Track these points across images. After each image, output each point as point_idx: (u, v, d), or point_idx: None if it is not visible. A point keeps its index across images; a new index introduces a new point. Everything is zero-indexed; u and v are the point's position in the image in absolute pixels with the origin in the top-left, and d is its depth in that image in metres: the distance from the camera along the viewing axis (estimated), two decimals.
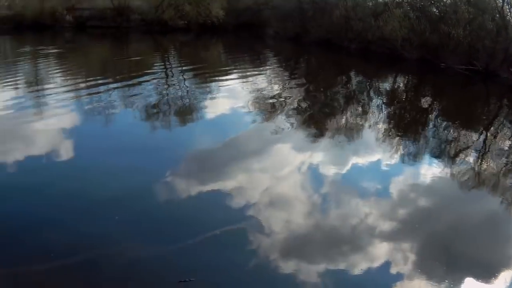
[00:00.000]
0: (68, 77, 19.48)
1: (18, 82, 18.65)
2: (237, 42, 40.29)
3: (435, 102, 18.02)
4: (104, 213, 7.05)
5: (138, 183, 8.21)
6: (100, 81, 18.29)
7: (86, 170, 8.92)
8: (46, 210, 7.14)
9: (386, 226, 6.99)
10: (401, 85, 21.24)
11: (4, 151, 10.05)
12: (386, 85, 20.92)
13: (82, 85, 17.84)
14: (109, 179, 8.43)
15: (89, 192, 7.79)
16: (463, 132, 13.31)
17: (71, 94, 15.97)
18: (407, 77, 23.69)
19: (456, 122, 14.48)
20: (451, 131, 13.48)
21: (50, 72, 21.52)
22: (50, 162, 9.46)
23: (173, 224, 6.93)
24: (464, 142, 12.09)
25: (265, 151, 10.38)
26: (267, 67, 24.09)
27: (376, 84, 20.94)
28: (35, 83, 18.81)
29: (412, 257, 6.32)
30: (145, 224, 6.84)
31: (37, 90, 17.00)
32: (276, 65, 25.79)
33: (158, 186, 8.20)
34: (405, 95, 18.91)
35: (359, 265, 6.03)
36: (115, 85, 17.51)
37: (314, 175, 8.96)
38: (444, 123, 14.38)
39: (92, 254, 6.03)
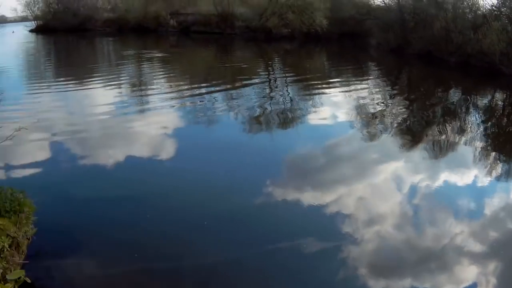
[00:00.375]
0: (171, 81, 22.14)
1: (122, 84, 21.82)
2: (340, 52, 41.43)
3: None
4: (195, 216, 7.91)
5: (235, 189, 9.17)
6: (203, 87, 20.43)
7: (183, 172, 10.17)
8: (136, 210, 8.21)
9: (475, 247, 7.22)
10: (500, 101, 20.76)
11: (106, 150, 11.65)
12: (485, 101, 20.59)
13: (186, 89, 20.17)
14: (206, 183, 9.43)
15: (183, 195, 8.90)
16: None
17: (174, 98, 18.06)
18: (506, 93, 23.10)
19: None
20: None
21: (153, 75, 24.71)
22: (149, 165, 10.70)
23: (265, 230, 7.62)
24: None
25: (362, 162, 10.98)
26: (369, 78, 25.09)
27: (474, 99, 20.85)
28: (139, 85, 21.63)
29: (500, 281, 6.64)
30: (235, 228, 7.62)
31: (141, 93, 19.66)
32: (377, 77, 26.72)
33: (254, 191, 8.99)
34: (503, 112, 18.48)
35: (445, 285, 6.46)
36: (218, 91, 19.52)
37: (408, 188, 9.39)
38: None
39: (178, 256, 6.89)
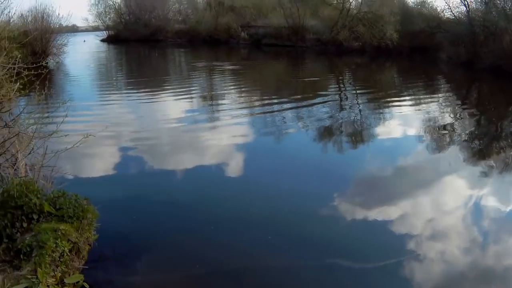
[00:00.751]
0: (242, 94, 22.81)
1: (192, 95, 22.60)
2: (411, 66, 41.62)
3: None
4: (260, 230, 7.97)
5: (301, 204, 9.18)
6: (274, 100, 20.91)
7: (250, 185, 10.31)
8: (201, 220, 8.37)
9: None
10: None
11: (173, 159, 11.99)
12: None
13: (256, 102, 20.58)
14: (272, 196, 9.54)
15: (248, 207, 8.98)
16: None
17: (244, 111, 18.49)
18: None
19: None
20: None
21: (224, 87, 25.50)
22: (216, 176, 10.88)
23: (327, 245, 7.66)
24: None
25: (432, 180, 10.85)
26: (440, 94, 25.10)
27: None
28: (209, 97, 22.26)
29: None
30: (299, 243, 7.63)
31: (211, 104, 20.19)
32: (448, 92, 26.80)
33: (321, 207, 9.03)
34: None
35: None
36: (288, 104, 19.79)
37: (475, 205, 9.31)
38: None
39: (240, 269, 7.06)
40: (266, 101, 20.78)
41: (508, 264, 7.30)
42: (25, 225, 6.54)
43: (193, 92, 24.15)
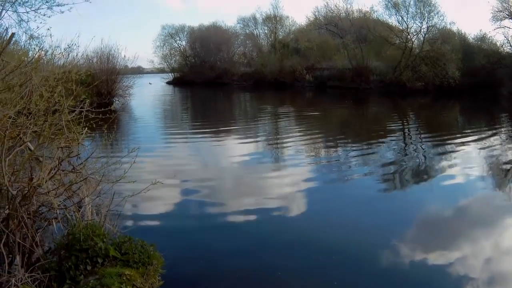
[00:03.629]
0: (307, 138, 22.91)
1: (257, 138, 23.17)
2: (473, 104, 42.88)
3: None
4: (322, 276, 8.03)
5: (363, 246, 9.24)
6: (339, 143, 21.39)
7: (312, 229, 10.35)
8: (265, 266, 8.39)
9: None
10: None
11: (238, 203, 12.04)
12: None
13: (321, 146, 20.91)
14: (333, 240, 9.60)
15: (310, 252, 8.99)
16: None
17: (309, 154, 18.86)
18: None
19: None
20: None
21: (290, 131, 25.85)
22: (277, 218, 11.05)
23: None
24: None
25: (494, 220, 10.83)
26: (502, 131, 25.22)
27: None
28: (275, 141, 22.51)
29: None
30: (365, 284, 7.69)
31: (276, 148, 20.52)
32: (510, 129, 26.78)
33: (381, 249, 9.05)
34: None
35: None
36: (353, 149, 19.99)
37: None
38: None
39: None
40: (331, 146, 21.04)
41: None
42: (89, 268, 6.68)
43: (258, 135, 24.59)
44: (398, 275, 8.10)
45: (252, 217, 11.00)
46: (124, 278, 6.40)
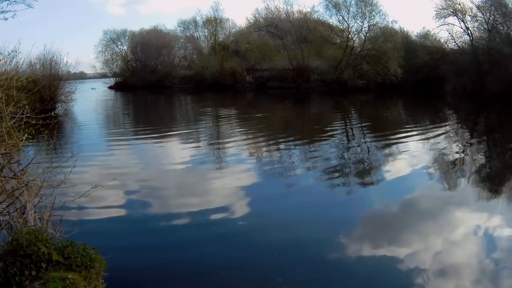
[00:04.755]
0: (249, 137, 22.56)
1: (199, 140, 22.54)
2: (416, 100, 43.14)
3: None
4: (269, 273, 7.76)
5: (310, 244, 9.00)
6: (281, 142, 20.68)
7: (257, 226, 10.12)
8: (210, 266, 8.17)
9: None
10: None
11: (181, 205, 11.75)
12: None
13: (263, 145, 20.27)
14: (280, 238, 9.32)
15: (257, 250, 8.84)
16: None
17: (251, 154, 18.35)
18: None
19: None
20: None
21: (231, 132, 25.43)
22: (222, 218, 10.73)
23: (340, 285, 7.54)
24: None
25: (439, 212, 10.70)
26: (446, 125, 25.32)
27: None
28: (216, 141, 22.07)
29: None
30: (310, 284, 7.49)
31: (218, 148, 20.08)
32: (455, 123, 26.86)
33: (329, 246, 8.86)
34: None
35: None
36: (295, 146, 19.61)
37: (489, 240, 9.01)
38: None
39: None
40: (273, 143, 20.55)
41: None
42: (34, 273, 6.59)
43: (200, 137, 23.94)
44: (345, 269, 7.95)
45: (195, 219, 10.64)
46: (68, 282, 6.32)
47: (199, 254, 8.70)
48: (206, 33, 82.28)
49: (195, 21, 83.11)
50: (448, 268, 7.88)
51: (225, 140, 22.22)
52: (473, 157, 16.92)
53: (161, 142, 22.21)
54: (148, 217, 10.96)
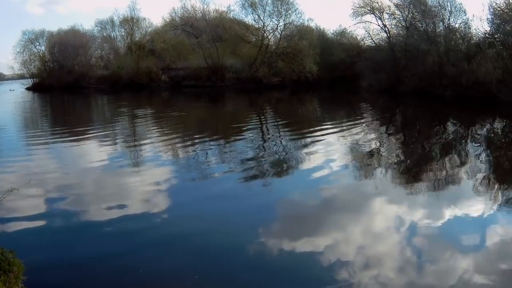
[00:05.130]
0: (165, 136, 21.71)
1: (116, 140, 21.58)
2: (332, 96, 42.22)
3: None
4: (188, 271, 7.52)
5: (227, 241, 8.75)
6: (196, 140, 19.92)
7: (177, 226, 9.75)
8: (129, 266, 7.82)
9: (484, 282, 6.90)
10: (499, 130, 21.01)
11: (99, 206, 11.15)
12: (484, 132, 20.69)
13: (179, 144, 19.52)
14: (199, 236, 9.03)
15: (176, 249, 8.48)
16: None
17: (168, 153, 17.66)
18: (505, 121, 23.43)
19: None
20: None
21: (147, 131, 24.40)
22: (141, 218, 10.22)
23: (260, 279, 7.31)
24: None
25: (359, 206, 10.58)
26: (363, 120, 25.12)
27: (473, 131, 20.77)
28: (133, 141, 21.13)
29: None
30: (230, 281, 7.29)
31: (135, 148, 19.20)
32: (371, 118, 26.76)
33: (247, 244, 8.61)
34: (504, 140, 18.59)
35: None
36: (211, 144, 19.04)
37: (409, 230, 8.94)
38: None
39: None
40: (189, 142, 19.77)
41: (450, 281, 6.89)
42: None
43: (116, 137, 22.86)
44: (267, 265, 7.71)
45: (114, 220, 10.03)
46: None
47: (119, 258, 8.17)
48: (122, 33, 78.73)
49: (112, 21, 79.41)
50: (370, 259, 7.69)
51: (142, 141, 21.08)
52: (389, 151, 16.92)
53: (79, 145, 20.91)
54: (67, 220, 10.27)
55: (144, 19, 79.73)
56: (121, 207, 10.97)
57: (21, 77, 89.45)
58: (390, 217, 9.68)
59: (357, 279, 7.01)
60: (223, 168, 14.53)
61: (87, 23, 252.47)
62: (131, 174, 14.43)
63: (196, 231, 9.23)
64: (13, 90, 78.74)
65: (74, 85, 71.14)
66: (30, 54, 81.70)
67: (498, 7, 31.91)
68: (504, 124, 22.95)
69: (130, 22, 74.85)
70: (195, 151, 17.82)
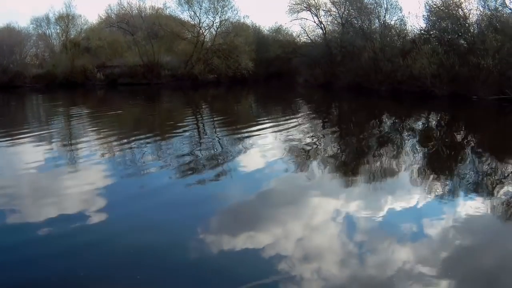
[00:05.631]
0: (100, 135, 20.54)
1: (51, 140, 19.91)
2: (268, 92, 41.93)
3: (469, 137, 18.50)
4: (127, 272, 7.10)
5: (166, 239, 8.37)
6: (132, 139, 18.89)
7: (115, 227, 9.15)
8: (68, 269, 7.22)
9: (425, 270, 6.77)
10: (434, 122, 21.68)
11: (35, 208, 10.44)
12: (419, 125, 21.37)
13: (115, 143, 18.56)
14: (139, 237, 8.49)
15: (115, 250, 7.99)
16: (500, 164, 13.38)
17: (104, 152, 16.72)
18: (439, 114, 24.12)
19: (493, 155, 14.60)
20: (488, 164, 13.47)
21: (82, 130, 22.88)
22: (79, 220, 9.52)
23: (201, 281, 6.90)
24: (502, 175, 12.06)
25: (298, 200, 10.30)
26: (299, 116, 24.84)
27: (409, 124, 21.30)
28: (68, 141, 19.84)
29: None
30: (172, 283, 6.90)
31: (70, 148, 18.06)
32: (307, 113, 26.70)
33: (186, 241, 8.28)
34: (438, 132, 19.04)
35: None
36: (147, 142, 18.10)
37: (349, 222, 8.84)
38: (480, 157, 14.47)
39: None
40: (124, 141, 18.69)
41: (390, 271, 6.74)
42: None
43: (52, 137, 21.06)
44: (207, 264, 7.38)
45: (54, 224, 9.17)
46: None
47: (60, 262, 7.44)
48: (58, 30, 73.29)
49: (47, 18, 73.85)
50: (312, 253, 7.45)
51: (78, 141, 19.68)
52: (326, 146, 16.71)
53: (13, 145, 19.21)
54: (3, 226, 9.29)
55: (80, 16, 75.40)
56: (56, 208, 10.22)
57: None
58: (329, 210, 9.60)
59: (298, 273, 6.86)
60: (160, 168, 13.89)
61: (23, 21, 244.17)
62: (68, 177, 13.27)
63: (133, 235, 8.56)
64: None
65: (9, 84, 65.81)
66: None
67: (434, 4, 32.30)
68: (439, 116, 23.65)
69: (66, 19, 69.99)
70: (131, 151, 16.80)
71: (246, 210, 9.98)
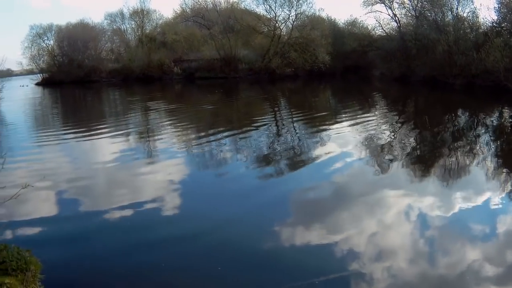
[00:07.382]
0: (179, 129, 22.22)
1: (129, 134, 21.75)
2: (345, 86, 42.12)
3: None
4: (208, 264, 7.65)
5: (245, 233, 8.93)
6: (211, 133, 20.08)
7: (193, 219, 9.82)
8: (147, 262, 7.88)
9: (494, 271, 7.00)
10: (508, 118, 21.30)
11: (114, 201, 11.24)
12: (493, 120, 21.04)
13: (193, 136, 19.88)
14: (216, 229, 9.15)
15: (194, 242, 8.56)
16: None
17: (182, 146, 17.98)
18: None
19: None
20: None
21: (161, 124, 24.60)
22: (157, 212, 10.37)
23: (274, 271, 7.37)
24: None
25: (372, 195, 10.72)
26: (376, 110, 25.50)
27: (483, 119, 21.22)
28: (146, 135, 21.41)
29: None
30: (248, 273, 7.42)
31: (148, 142, 19.52)
32: (384, 107, 27.35)
33: (263, 232, 8.83)
34: None
35: None
36: (226, 136, 19.17)
37: (421, 219, 9.10)
38: None
39: None
40: (203, 135, 20.07)
41: (461, 271, 7.05)
42: None
43: (130, 130, 23.04)
44: (283, 256, 7.80)
45: (129, 216, 10.08)
46: (5, 287, 6.23)
47: (134, 255, 8.25)
48: (133, 25, 79.18)
49: (122, 13, 79.87)
50: (383, 250, 7.81)
51: (155, 134, 21.26)
52: (403, 140, 16.94)
53: (92, 138, 21.06)
54: (81, 217, 10.36)
55: (155, 11, 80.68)
56: (134, 201, 11.08)
57: (30, 72, 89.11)
58: (402, 208, 9.82)
59: (369, 269, 7.17)
60: (238, 161, 14.80)
61: (94, 16, 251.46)
62: (145, 168, 14.57)
63: (210, 227, 9.28)
64: (25, 86, 78.05)
65: (85, 79, 71.84)
66: (38, 49, 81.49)
67: None
68: None
69: (140, 14, 75.30)
70: (209, 143, 18.04)
71: (319, 203, 10.51)
